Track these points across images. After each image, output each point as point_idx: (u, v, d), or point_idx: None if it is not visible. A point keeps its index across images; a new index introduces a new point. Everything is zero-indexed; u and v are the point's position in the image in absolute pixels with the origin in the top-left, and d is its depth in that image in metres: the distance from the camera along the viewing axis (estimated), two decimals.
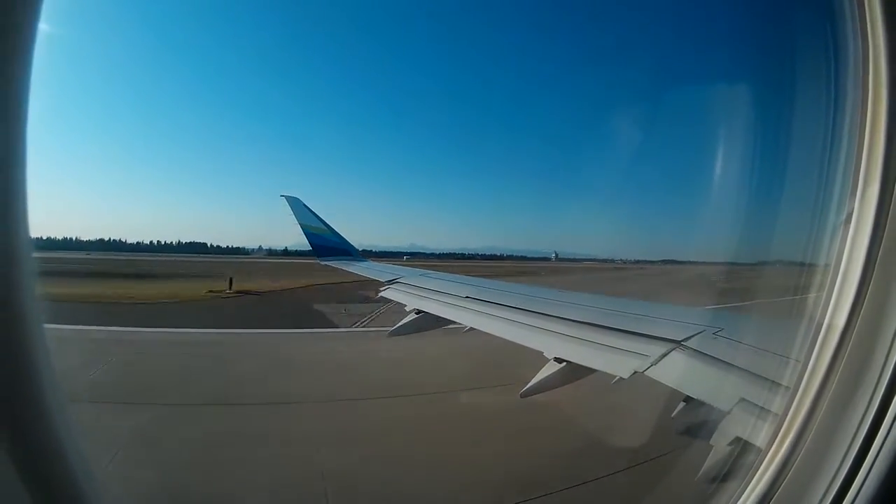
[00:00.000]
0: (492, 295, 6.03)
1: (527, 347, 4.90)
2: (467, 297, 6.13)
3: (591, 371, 4.22)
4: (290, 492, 6.82)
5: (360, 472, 7.40)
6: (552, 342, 4.75)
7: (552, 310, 5.27)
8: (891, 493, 1.24)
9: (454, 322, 5.97)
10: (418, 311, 6.36)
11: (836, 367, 1.40)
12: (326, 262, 8.38)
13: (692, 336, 3.85)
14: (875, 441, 1.26)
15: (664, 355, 3.77)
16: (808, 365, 1.51)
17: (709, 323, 3.98)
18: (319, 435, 8.47)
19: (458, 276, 7.46)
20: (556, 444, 8.29)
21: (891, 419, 1.26)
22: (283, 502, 6.65)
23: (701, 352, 3.59)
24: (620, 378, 3.84)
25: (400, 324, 6.48)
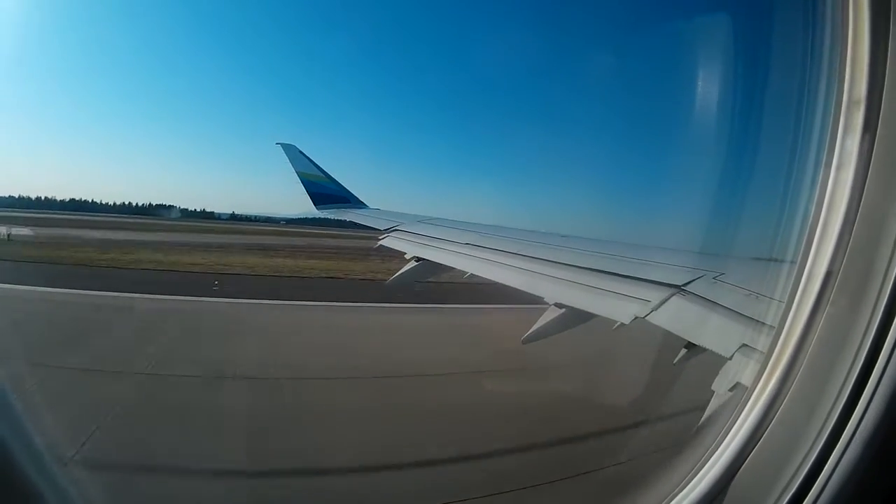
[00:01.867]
0: (493, 241, 6.01)
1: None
2: (468, 243, 6.11)
3: (592, 316, 4.28)
4: None
5: None
6: (554, 288, 4.78)
7: (554, 255, 5.26)
8: (888, 434, 1.24)
9: (454, 269, 5.98)
10: (418, 259, 6.34)
11: (822, 309, 1.43)
12: (324, 210, 8.34)
13: (693, 281, 3.87)
14: (867, 385, 1.26)
15: (665, 300, 3.80)
16: (791, 305, 1.54)
17: (710, 267, 3.98)
18: None
19: (458, 221, 7.38)
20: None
21: (884, 361, 1.25)
22: None
23: (702, 297, 3.61)
24: (622, 323, 3.90)
25: (399, 272, 6.49)
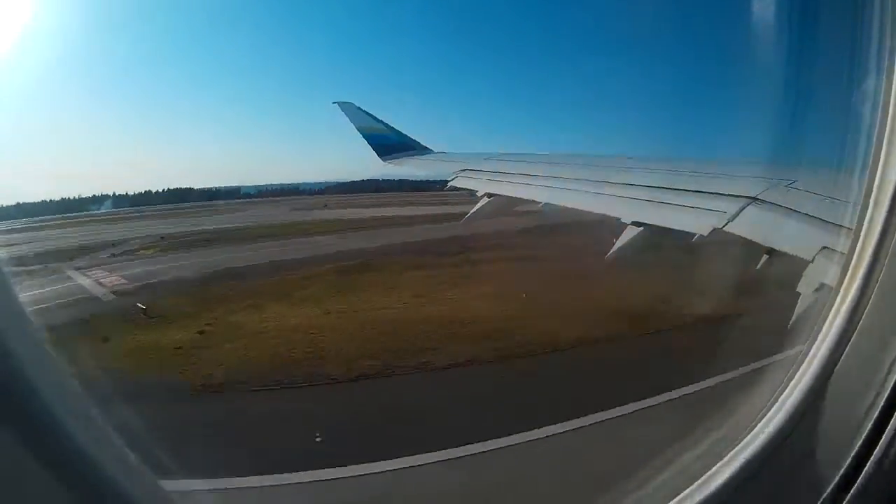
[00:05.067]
0: (562, 169, 6.33)
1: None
2: (537, 174, 6.45)
3: (670, 231, 4.65)
4: None
5: None
6: (629, 208, 5.12)
7: (625, 177, 5.56)
8: None
9: (528, 200, 6.36)
10: (490, 195, 6.69)
11: None
12: (390, 161, 8.73)
13: (766, 190, 4.14)
14: None
15: (741, 210, 4.11)
16: (867, 209, 1.54)
17: (782, 176, 4.21)
18: None
19: (524, 154, 7.65)
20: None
21: None
22: None
23: (777, 204, 3.91)
24: (700, 236, 4.27)
25: (473, 210, 6.89)
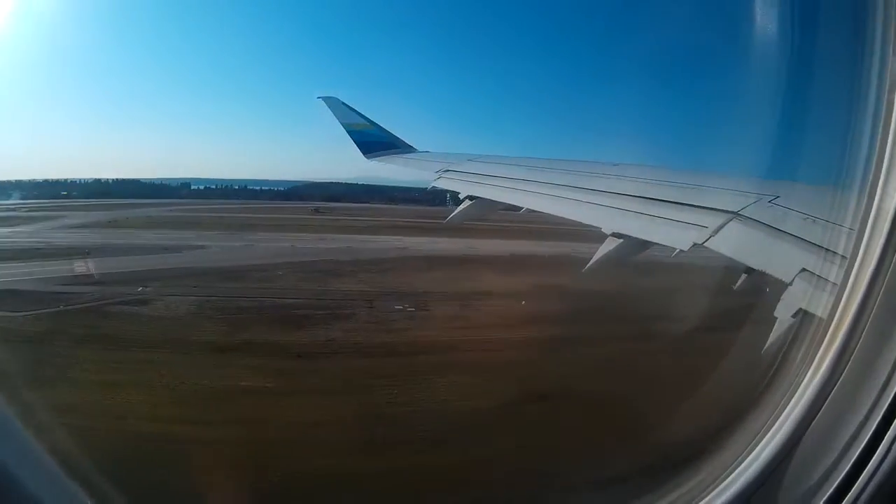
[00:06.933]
0: (546, 174, 6.19)
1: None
2: (521, 178, 6.31)
3: (650, 245, 4.53)
4: None
5: None
6: (610, 217, 4.99)
7: (607, 185, 5.42)
8: None
9: (510, 205, 6.23)
10: (472, 198, 6.55)
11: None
12: (374, 158, 8.54)
13: (749, 205, 4.02)
14: None
15: (722, 226, 3.99)
16: (864, 234, 1.51)
17: (764, 191, 4.09)
18: None
19: (509, 157, 7.50)
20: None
21: None
22: None
23: (759, 221, 3.79)
24: (680, 251, 4.15)
25: (455, 212, 6.75)
